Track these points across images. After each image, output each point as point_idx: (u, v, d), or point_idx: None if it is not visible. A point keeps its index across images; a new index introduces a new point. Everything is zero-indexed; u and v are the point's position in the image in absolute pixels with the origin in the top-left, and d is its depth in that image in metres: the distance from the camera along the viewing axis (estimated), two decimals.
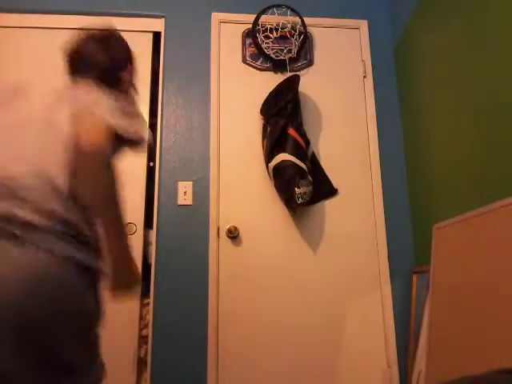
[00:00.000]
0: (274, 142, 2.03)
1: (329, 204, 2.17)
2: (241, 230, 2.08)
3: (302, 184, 1.95)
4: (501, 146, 1.45)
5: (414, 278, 2.03)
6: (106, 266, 0.90)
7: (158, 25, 2.34)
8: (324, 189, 2.16)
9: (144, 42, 2.32)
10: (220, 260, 2.04)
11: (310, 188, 2.00)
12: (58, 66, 2.21)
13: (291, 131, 2.05)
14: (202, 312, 1.97)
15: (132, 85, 1.22)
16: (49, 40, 2.26)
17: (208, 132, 2.19)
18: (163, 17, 2.34)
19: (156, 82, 2.28)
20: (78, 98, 0.97)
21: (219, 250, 2.05)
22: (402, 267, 2.11)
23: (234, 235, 2.06)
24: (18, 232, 0.75)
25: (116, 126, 0.92)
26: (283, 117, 2.07)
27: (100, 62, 1.12)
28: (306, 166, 2.02)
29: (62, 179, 0.86)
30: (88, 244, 0.87)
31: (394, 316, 2.06)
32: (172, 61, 2.28)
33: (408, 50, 2.25)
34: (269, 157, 2.04)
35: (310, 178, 2.01)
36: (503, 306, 1.26)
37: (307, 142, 2.15)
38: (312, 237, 2.12)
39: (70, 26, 2.28)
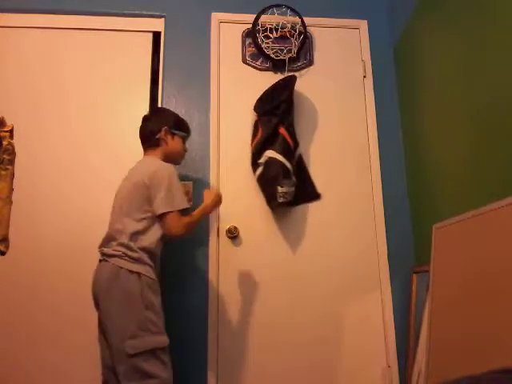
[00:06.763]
0: (264, 139, 2.04)
1: (329, 204, 2.16)
2: (241, 230, 2.08)
3: (285, 184, 1.96)
4: (501, 146, 1.45)
5: (414, 277, 2.03)
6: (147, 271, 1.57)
7: (158, 25, 2.34)
8: (308, 192, 2.14)
9: (144, 42, 2.32)
10: (220, 260, 2.04)
11: (293, 189, 2.00)
12: (57, 65, 2.23)
13: (282, 130, 2.06)
14: (201, 312, 1.97)
15: None
16: (49, 40, 2.26)
17: (208, 132, 2.19)
18: (163, 17, 2.34)
19: (156, 82, 2.28)
20: None
21: (219, 250, 2.05)
22: (402, 267, 2.11)
23: (233, 235, 2.06)
24: (106, 258, 1.55)
25: None
26: (276, 115, 2.07)
27: None
28: (292, 166, 2.02)
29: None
30: (136, 259, 1.54)
31: (394, 316, 2.06)
32: (172, 61, 2.28)
33: (408, 50, 2.25)
34: (259, 152, 2.06)
35: (294, 178, 2.02)
36: (503, 306, 1.26)
37: (296, 144, 2.13)
38: (312, 237, 2.12)
39: (70, 26, 2.28)
